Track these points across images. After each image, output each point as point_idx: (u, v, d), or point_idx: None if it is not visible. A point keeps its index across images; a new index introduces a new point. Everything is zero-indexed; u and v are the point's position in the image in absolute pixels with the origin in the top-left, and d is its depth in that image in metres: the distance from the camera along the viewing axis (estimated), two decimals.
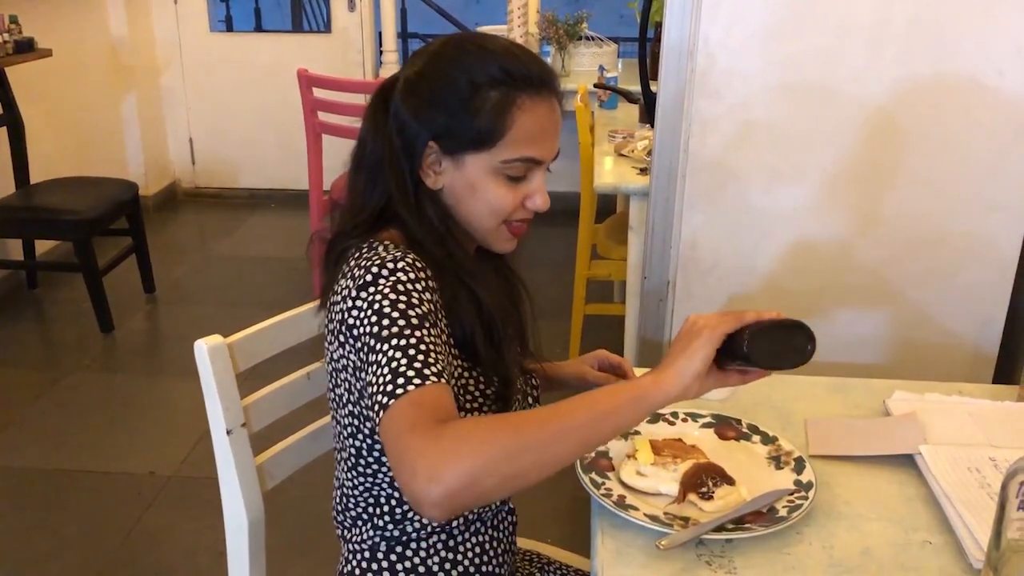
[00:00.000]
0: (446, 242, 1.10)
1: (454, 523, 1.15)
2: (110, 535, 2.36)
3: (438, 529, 1.15)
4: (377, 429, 0.97)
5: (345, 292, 1.03)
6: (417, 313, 0.97)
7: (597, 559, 1.02)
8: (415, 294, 0.99)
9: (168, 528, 2.39)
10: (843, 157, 1.63)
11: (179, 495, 2.52)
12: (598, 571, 1.00)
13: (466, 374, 1.11)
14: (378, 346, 0.95)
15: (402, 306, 0.97)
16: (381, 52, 4.84)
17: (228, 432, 1.19)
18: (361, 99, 3.93)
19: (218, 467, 1.21)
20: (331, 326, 1.08)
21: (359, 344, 0.99)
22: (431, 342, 0.96)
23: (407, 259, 1.02)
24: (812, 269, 1.70)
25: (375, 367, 0.95)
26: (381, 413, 0.92)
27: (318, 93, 3.58)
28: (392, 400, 0.91)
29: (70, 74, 4.30)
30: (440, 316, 1.03)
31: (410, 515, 1.14)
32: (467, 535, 1.17)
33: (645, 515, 1.06)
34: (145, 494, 2.52)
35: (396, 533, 1.14)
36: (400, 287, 0.99)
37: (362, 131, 1.14)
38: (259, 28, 5.19)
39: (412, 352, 0.94)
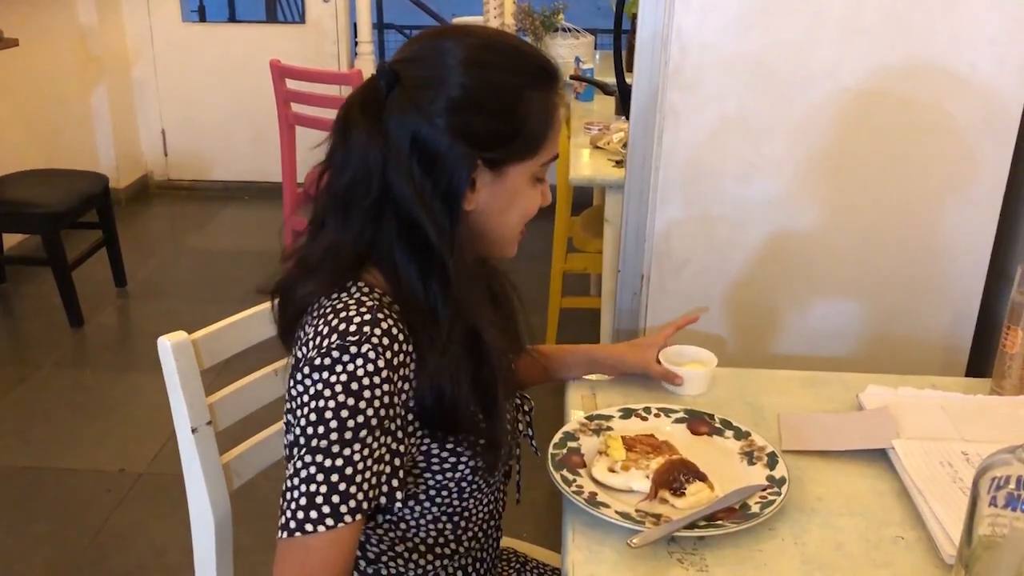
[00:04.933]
0: (467, 274, 0.98)
1: (440, 572, 1.12)
2: (79, 533, 2.32)
3: (424, 564, 1.11)
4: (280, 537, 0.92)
5: (306, 352, 0.94)
6: (358, 421, 0.91)
7: (568, 557, 1.01)
8: (367, 391, 0.91)
9: (138, 526, 2.36)
10: (816, 150, 1.62)
11: (150, 492, 2.49)
12: (569, 570, 0.99)
13: (427, 439, 1.02)
14: (304, 455, 0.91)
15: (344, 413, 0.90)
16: (356, 43, 4.80)
17: (193, 430, 1.16)
18: (336, 90, 3.89)
19: (183, 466, 1.19)
20: (294, 362, 0.99)
21: (292, 426, 0.95)
22: (362, 458, 0.91)
23: (376, 332, 0.92)
24: (785, 262, 1.70)
25: (295, 476, 0.91)
26: (283, 534, 0.91)
27: (291, 84, 3.54)
28: (296, 532, 0.90)
29: (38, 64, 4.23)
30: (397, 400, 0.94)
31: (384, 560, 1.10)
32: (455, 559, 1.14)
33: (616, 513, 1.04)
34: (115, 491, 2.49)
35: (370, 571, 1.12)
36: (353, 385, 0.91)
37: (353, 165, 0.97)
38: (233, 18, 5.10)
39: (335, 478, 0.90)
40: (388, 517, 1.08)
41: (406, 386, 0.96)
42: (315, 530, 0.89)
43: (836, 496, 1.12)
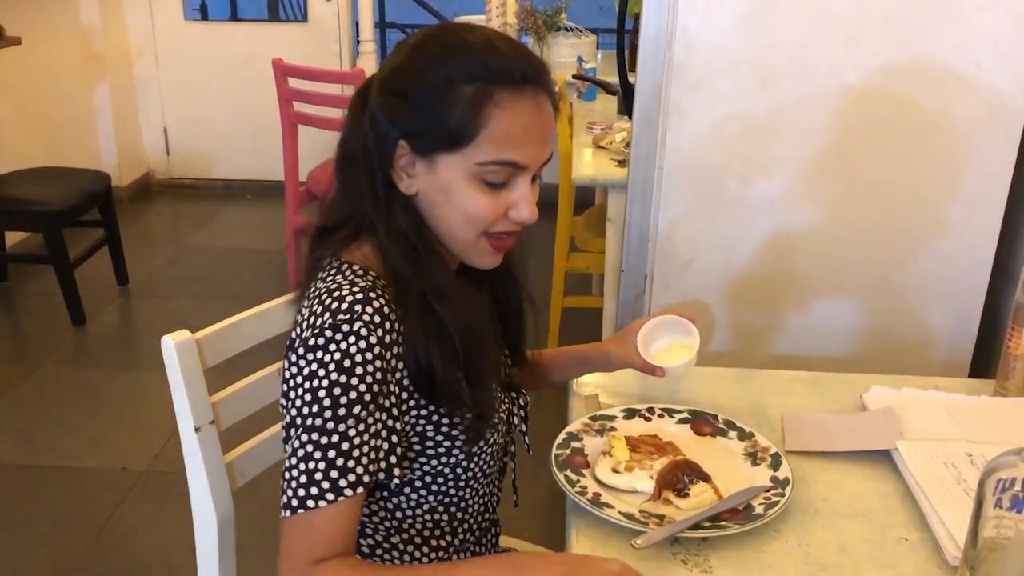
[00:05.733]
0: (416, 254, 1.02)
1: (435, 563, 1.12)
2: (81, 531, 2.32)
3: (419, 556, 1.12)
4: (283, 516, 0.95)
5: (302, 333, 0.97)
6: (351, 397, 0.93)
7: None
8: (359, 368, 0.94)
9: (140, 524, 2.36)
10: (820, 149, 1.62)
11: (152, 491, 2.49)
12: None
13: (423, 420, 1.04)
14: (301, 434, 0.94)
15: (337, 391, 0.93)
16: (358, 42, 4.80)
17: (196, 429, 1.16)
18: (338, 89, 3.89)
19: (186, 466, 1.19)
20: (288, 343, 1.02)
21: (287, 405, 0.97)
22: (358, 433, 0.93)
23: (368, 311, 0.95)
24: (789, 262, 1.70)
25: (292, 456, 0.94)
26: (286, 512, 0.93)
27: (294, 83, 3.54)
28: (299, 508, 0.92)
29: (40, 63, 4.23)
30: (390, 378, 0.97)
31: (379, 553, 1.11)
32: (450, 551, 1.14)
33: (620, 513, 1.04)
34: (117, 490, 2.49)
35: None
36: (346, 363, 0.93)
37: (344, 131, 1.07)
38: (235, 17, 5.10)
39: (332, 454, 0.93)
40: (384, 506, 1.09)
41: (399, 364, 0.99)
42: (316, 505, 0.92)
43: (840, 497, 1.12)
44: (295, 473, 0.93)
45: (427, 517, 1.10)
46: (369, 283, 0.98)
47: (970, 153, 1.61)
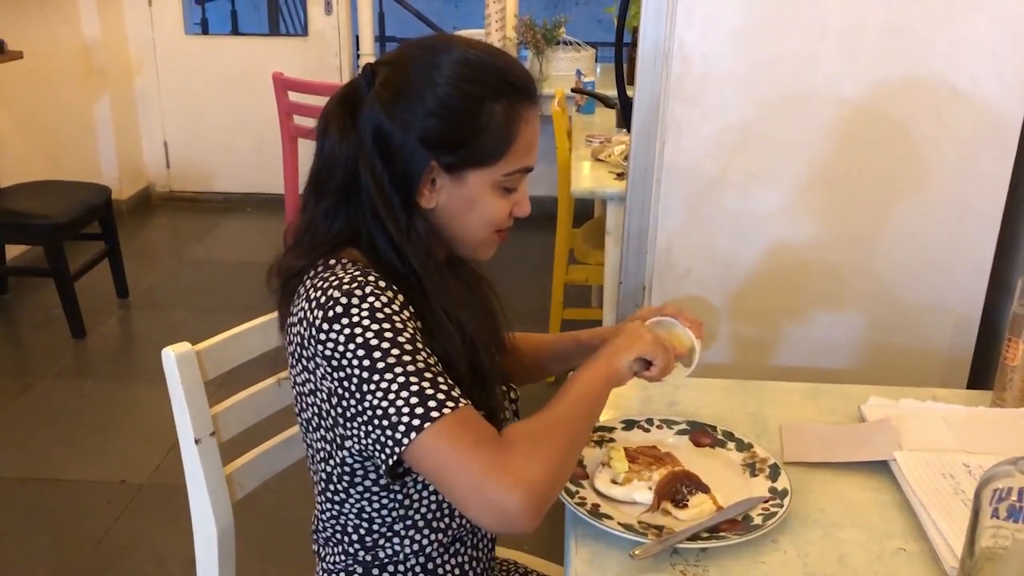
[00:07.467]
0: (432, 265, 1.05)
1: (433, 545, 1.13)
2: (80, 544, 2.32)
3: (416, 551, 1.12)
4: (403, 455, 0.93)
5: (309, 319, 0.98)
6: (405, 336, 0.95)
7: (571, 568, 1.01)
8: (393, 316, 0.95)
9: (139, 537, 2.36)
10: (817, 161, 1.63)
11: (151, 503, 2.49)
12: None
13: None
14: (384, 375, 0.92)
15: (388, 334, 0.94)
16: (358, 56, 4.83)
17: (197, 441, 1.17)
18: None
19: (187, 477, 1.19)
20: (291, 349, 1.04)
21: (341, 375, 0.95)
22: (428, 367, 0.94)
23: (370, 280, 0.97)
24: (787, 273, 1.70)
25: (386, 397, 0.92)
26: (409, 436, 0.90)
27: (294, 97, 3.56)
28: (428, 423, 0.90)
29: (41, 76, 4.25)
30: (413, 327, 0.99)
31: (381, 543, 1.11)
32: (446, 556, 1.15)
33: (619, 524, 1.05)
34: (116, 502, 2.49)
35: (368, 558, 1.12)
36: (379, 315, 0.95)
37: (325, 152, 1.06)
38: (235, 31, 5.16)
39: (428, 378, 0.93)
40: (395, 498, 1.09)
41: (411, 325, 0.98)
42: (441, 414, 0.91)
43: (838, 508, 1.12)
44: (399, 404, 0.91)
45: (432, 497, 1.10)
46: (362, 271, 1.00)
47: (966, 165, 1.61)
